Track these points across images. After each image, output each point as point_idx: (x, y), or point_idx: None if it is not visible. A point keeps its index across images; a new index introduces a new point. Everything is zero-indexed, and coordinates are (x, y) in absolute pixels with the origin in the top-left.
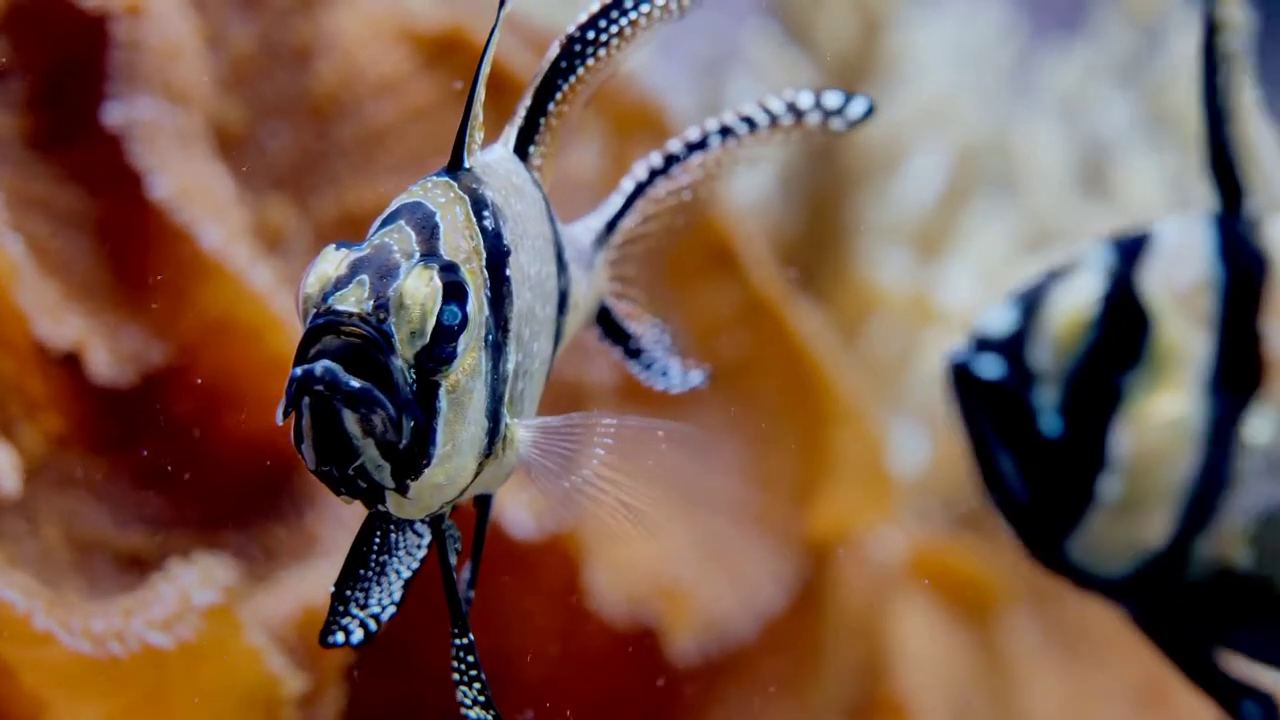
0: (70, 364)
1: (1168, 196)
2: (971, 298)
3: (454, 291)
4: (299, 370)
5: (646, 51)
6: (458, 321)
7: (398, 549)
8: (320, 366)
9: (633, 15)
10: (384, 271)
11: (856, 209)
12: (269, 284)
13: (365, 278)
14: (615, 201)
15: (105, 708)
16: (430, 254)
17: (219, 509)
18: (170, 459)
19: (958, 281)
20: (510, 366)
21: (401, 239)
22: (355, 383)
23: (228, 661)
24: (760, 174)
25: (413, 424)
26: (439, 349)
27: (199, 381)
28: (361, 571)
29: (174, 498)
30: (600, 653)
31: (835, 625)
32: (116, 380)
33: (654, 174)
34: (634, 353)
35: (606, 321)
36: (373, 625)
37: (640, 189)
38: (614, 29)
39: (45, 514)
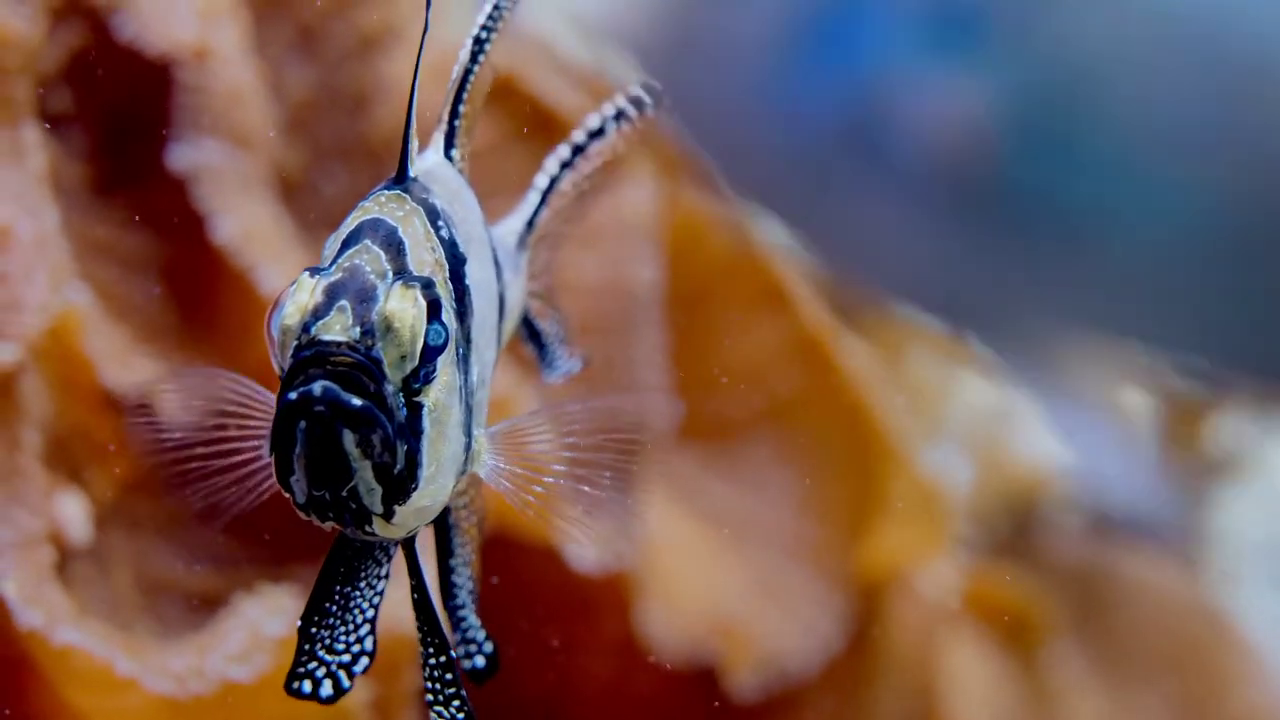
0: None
1: None
2: None
3: (435, 309)
4: (293, 395)
5: None
6: (443, 340)
7: (359, 581)
8: (319, 386)
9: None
10: (363, 295)
11: None
12: None
13: (345, 303)
14: (532, 199)
15: None
16: (402, 271)
17: (287, 543)
18: None
19: None
20: (475, 378)
21: (371, 258)
22: (357, 401)
23: None
24: None
25: (405, 448)
26: (424, 369)
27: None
28: (327, 605)
29: (242, 534)
30: (658, 691)
31: (888, 660)
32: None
33: (563, 167)
34: (542, 349)
35: (525, 321)
36: (345, 681)
37: (552, 184)
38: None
39: (115, 558)
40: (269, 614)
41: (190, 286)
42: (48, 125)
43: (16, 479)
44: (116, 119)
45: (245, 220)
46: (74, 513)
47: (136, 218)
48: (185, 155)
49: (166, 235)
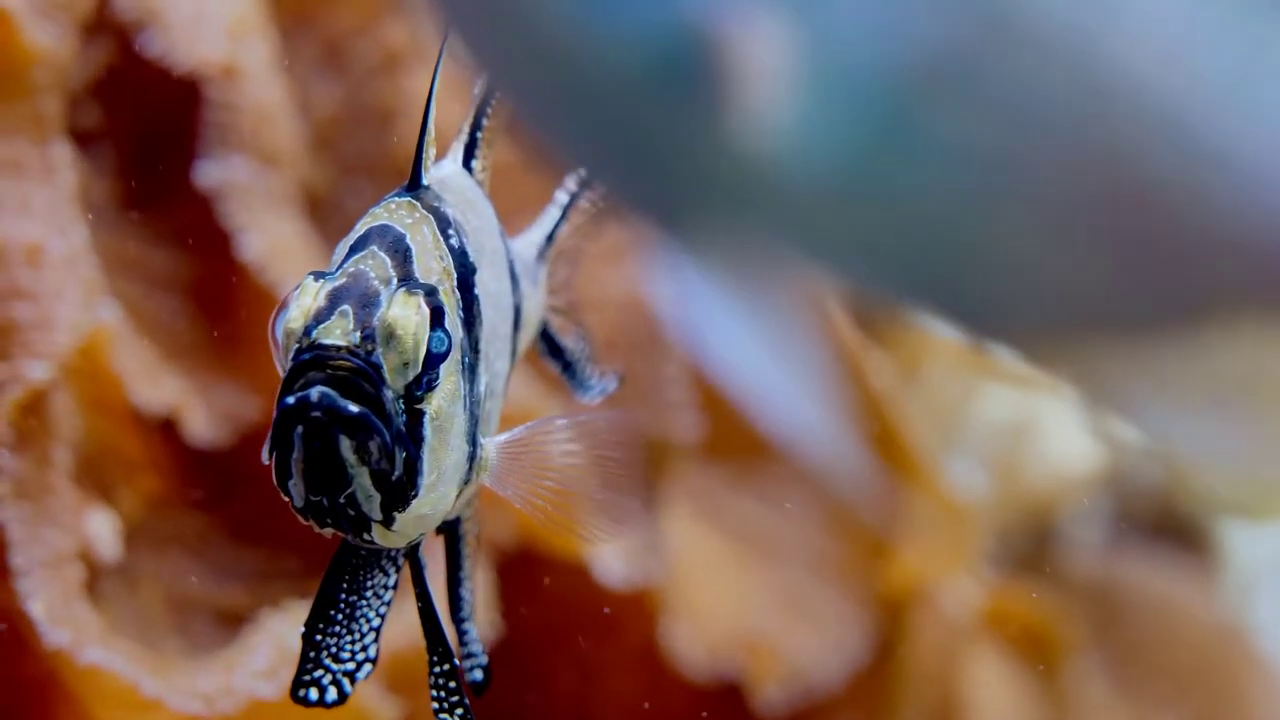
0: (166, 424)
1: None
2: None
3: (438, 316)
4: (291, 399)
5: None
6: (445, 348)
7: (366, 590)
8: (317, 392)
9: None
10: (365, 300)
11: None
12: None
13: (347, 308)
14: (552, 214)
15: None
16: (407, 278)
17: (316, 559)
18: (266, 512)
19: None
20: (482, 388)
21: (377, 264)
22: (354, 407)
23: None
24: None
25: (404, 455)
26: (426, 376)
27: None
28: (332, 612)
29: (272, 550)
30: (684, 706)
31: (912, 676)
32: (215, 441)
33: (584, 184)
34: (567, 366)
35: (545, 336)
36: (348, 686)
37: (573, 199)
38: None
39: (144, 575)
40: (295, 629)
41: (217, 303)
42: (76, 142)
43: (46, 497)
44: (144, 136)
45: (272, 237)
46: (103, 530)
47: (163, 235)
48: (213, 172)
49: (193, 252)
